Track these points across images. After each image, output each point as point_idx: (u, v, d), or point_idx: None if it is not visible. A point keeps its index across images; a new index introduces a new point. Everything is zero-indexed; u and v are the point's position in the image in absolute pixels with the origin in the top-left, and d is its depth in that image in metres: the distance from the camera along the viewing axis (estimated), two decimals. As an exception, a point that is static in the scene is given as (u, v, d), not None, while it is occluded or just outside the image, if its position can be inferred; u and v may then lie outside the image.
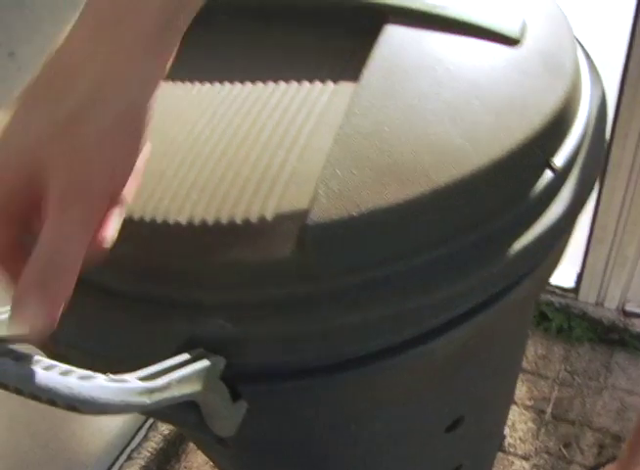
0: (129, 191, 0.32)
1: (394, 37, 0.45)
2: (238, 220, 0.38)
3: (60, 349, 0.41)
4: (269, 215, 0.38)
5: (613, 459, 1.03)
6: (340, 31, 0.49)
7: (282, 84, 0.46)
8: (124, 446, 1.07)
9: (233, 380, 0.40)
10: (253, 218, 0.38)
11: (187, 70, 0.50)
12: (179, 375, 0.33)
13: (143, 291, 0.40)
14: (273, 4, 0.52)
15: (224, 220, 0.38)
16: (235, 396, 0.40)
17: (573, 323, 1.19)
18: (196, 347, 0.38)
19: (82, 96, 0.29)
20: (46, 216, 0.28)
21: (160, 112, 0.47)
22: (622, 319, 1.16)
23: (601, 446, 1.07)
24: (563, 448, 1.08)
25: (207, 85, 0.48)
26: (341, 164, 0.38)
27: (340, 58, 0.48)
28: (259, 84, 0.46)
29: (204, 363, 0.35)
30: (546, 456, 1.08)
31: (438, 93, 0.42)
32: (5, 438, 0.88)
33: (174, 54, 0.32)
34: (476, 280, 0.40)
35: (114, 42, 0.30)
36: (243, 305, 0.38)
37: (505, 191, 0.42)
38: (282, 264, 0.37)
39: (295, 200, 0.38)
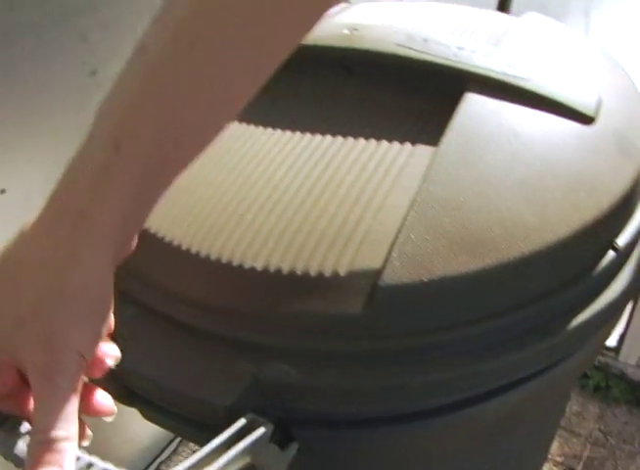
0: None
1: (474, 106, 0.47)
2: (312, 272, 0.40)
3: (123, 373, 0.43)
4: (342, 271, 0.40)
5: None
6: (420, 92, 0.51)
7: (361, 140, 0.48)
8: (154, 458, 1.10)
9: (287, 423, 0.42)
10: (327, 272, 0.40)
11: (270, 115, 0.52)
12: (227, 459, 0.34)
13: (213, 328, 0.42)
14: (358, 58, 0.54)
15: (299, 271, 0.40)
16: (288, 438, 0.42)
17: (611, 383, 1.17)
18: (258, 388, 0.40)
19: (39, 292, 0.32)
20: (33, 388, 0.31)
21: (242, 155, 0.50)
22: (662, 384, 1.14)
23: None
24: None
25: (289, 132, 0.51)
26: (415, 230, 0.40)
27: (418, 118, 0.49)
28: (339, 137, 0.49)
29: (253, 436, 0.36)
30: None
31: (513, 167, 0.44)
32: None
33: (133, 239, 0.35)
34: (534, 351, 0.41)
35: (68, 242, 0.32)
36: (308, 354, 0.40)
37: (569, 268, 0.43)
38: (350, 319, 0.39)
39: (368, 258, 0.40)
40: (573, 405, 1.18)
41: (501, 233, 0.41)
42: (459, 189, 0.42)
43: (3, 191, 0.79)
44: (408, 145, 0.47)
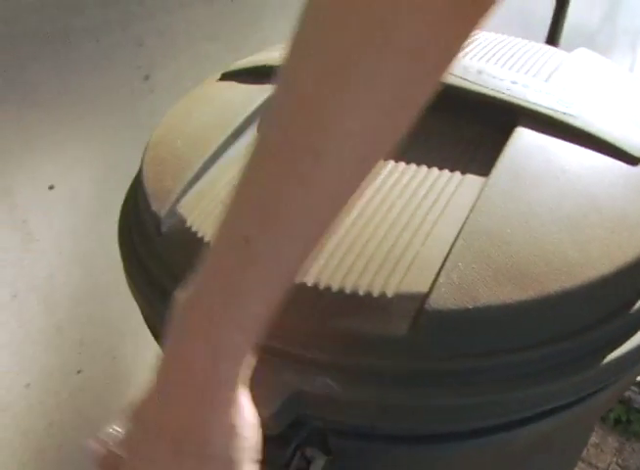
0: None
1: (524, 140, 0.49)
2: (360, 292, 0.42)
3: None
4: (390, 292, 0.41)
5: None
6: (472, 122, 0.52)
7: (413, 165, 0.50)
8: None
9: (325, 432, 0.44)
10: (375, 292, 0.41)
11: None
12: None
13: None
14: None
15: (348, 289, 0.42)
16: (325, 450, 0.44)
17: (632, 417, 1.17)
18: (300, 399, 0.41)
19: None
20: None
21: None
22: (683, 422, 1.14)
23: None
24: None
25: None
26: (463, 258, 0.42)
27: (468, 147, 0.51)
28: (391, 162, 0.50)
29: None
30: None
31: (559, 203, 0.45)
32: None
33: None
34: (569, 383, 0.42)
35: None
36: (351, 370, 0.42)
37: (608, 304, 0.44)
38: (395, 340, 0.41)
39: (415, 282, 0.41)
40: (593, 437, 1.18)
41: (545, 267, 0.42)
42: (506, 221, 0.44)
43: (52, 187, 0.82)
44: (458, 174, 0.49)
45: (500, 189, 0.45)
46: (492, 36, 0.65)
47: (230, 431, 0.35)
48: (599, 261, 0.43)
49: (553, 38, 0.77)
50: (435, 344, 0.41)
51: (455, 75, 0.52)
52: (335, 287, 0.42)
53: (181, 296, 0.35)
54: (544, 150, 0.48)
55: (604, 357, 0.43)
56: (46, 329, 0.86)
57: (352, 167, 0.31)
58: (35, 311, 0.84)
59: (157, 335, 0.54)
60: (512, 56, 0.60)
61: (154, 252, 0.52)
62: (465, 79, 0.52)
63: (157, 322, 0.52)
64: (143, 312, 0.55)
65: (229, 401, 0.35)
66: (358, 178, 0.32)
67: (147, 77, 0.89)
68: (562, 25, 0.75)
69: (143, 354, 1.01)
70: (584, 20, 0.92)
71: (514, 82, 0.52)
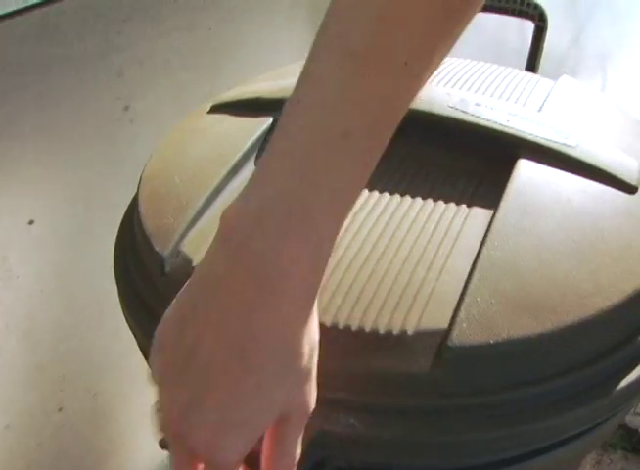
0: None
1: (528, 173, 0.50)
2: (380, 330, 0.41)
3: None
4: (410, 330, 0.41)
5: None
6: (473, 155, 0.53)
7: (418, 200, 0.50)
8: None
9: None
10: (395, 330, 0.41)
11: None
12: None
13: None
14: (411, 118, 0.56)
15: (367, 328, 0.42)
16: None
17: (610, 429, 1.20)
18: (324, 441, 0.41)
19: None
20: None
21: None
22: (658, 432, 1.17)
23: None
24: None
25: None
26: (480, 293, 0.42)
27: (471, 181, 0.52)
28: (397, 195, 0.51)
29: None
30: None
31: (567, 234, 0.46)
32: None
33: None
34: (588, 409, 0.43)
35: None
36: (374, 409, 0.41)
37: (621, 330, 0.45)
38: (418, 377, 0.41)
39: (434, 319, 0.42)
40: (573, 450, 1.19)
41: (559, 298, 0.43)
42: (518, 254, 0.44)
43: (32, 222, 0.80)
44: (464, 207, 0.49)
45: (509, 221, 0.46)
46: (480, 65, 0.66)
47: (315, 344, 0.35)
48: (609, 290, 0.44)
49: (533, 65, 0.79)
50: (459, 379, 0.41)
51: (454, 108, 0.53)
52: (354, 326, 0.42)
53: (239, 206, 0.33)
54: (548, 181, 0.49)
55: (620, 382, 0.44)
56: (27, 368, 0.83)
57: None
58: (15, 351, 0.81)
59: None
60: (504, 86, 0.61)
61: (157, 292, 0.50)
62: (465, 112, 0.53)
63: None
64: (144, 351, 0.54)
65: (314, 312, 0.34)
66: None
67: (127, 108, 0.88)
68: (541, 53, 0.77)
69: (124, 390, 0.98)
70: (553, 45, 0.95)
71: (512, 114, 0.53)
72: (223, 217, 0.34)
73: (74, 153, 0.82)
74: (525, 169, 0.50)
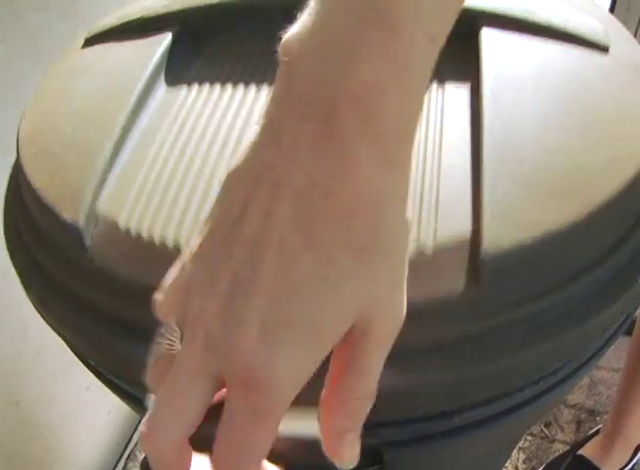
0: None
1: (495, 44, 0.42)
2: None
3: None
4: (429, 248, 0.33)
5: (592, 435, 1.05)
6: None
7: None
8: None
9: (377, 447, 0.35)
10: (417, 253, 0.33)
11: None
12: None
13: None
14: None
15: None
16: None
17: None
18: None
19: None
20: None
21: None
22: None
23: (578, 422, 1.10)
24: (544, 429, 1.10)
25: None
26: (499, 184, 0.34)
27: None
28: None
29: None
30: (530, 438, 1.10)
31: (562, 104, 0.39)
32: None
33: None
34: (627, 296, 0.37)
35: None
36: (408, 354, 0.33)
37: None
38: (451, 303, 0.33)
39: (453, 228, 0.34)
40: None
41: (578, 177, 0.36)
42: (521, 133, 0.37)
43: None
44: (435, 90, 0.41)
45: (499, 98, 0.38)
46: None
47: (408, 230, 0.24)
48: (622, 160, 0.38)
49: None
50: (500, 293, 0.33)
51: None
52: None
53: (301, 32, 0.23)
54: (520, 50, 0.42)
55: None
56: None
57: None
58: None
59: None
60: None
61: (80, 273, 0.39)
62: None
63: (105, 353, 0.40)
64: (80, 353, 0.43)
65: (408, 179, 0.24)
66: None
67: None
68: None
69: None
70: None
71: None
72: (283, 47, 0.23)
73: None
74: (492, 40, 0.42)
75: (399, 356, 0.33)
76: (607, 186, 0.36)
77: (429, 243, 0.33)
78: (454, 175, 0.36)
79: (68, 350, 0.45)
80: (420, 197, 0.35)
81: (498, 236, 0.33)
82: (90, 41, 0.51)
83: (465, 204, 0.35)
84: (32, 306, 0.43)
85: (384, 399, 0.33)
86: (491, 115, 0.37)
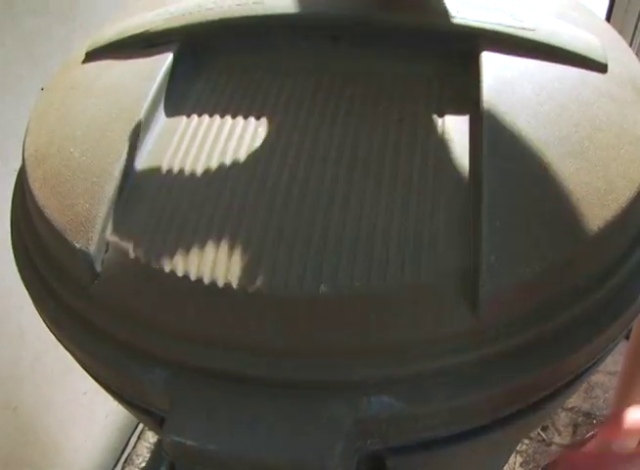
0: None
1: (496, 67, 0.43)
2: (393, 288, 0.34)
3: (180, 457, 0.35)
4: (427, 279, 0.34)
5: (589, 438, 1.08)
6: (424, 57, 0.45)
7: (380, 117, 0.42)
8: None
9: (382, 453, 0.37)
10: (408, 287, 0.34)
11: (252, 99, 0.45)
12: None
13: (291, 376, 0.35)
14: (343, 24, 0.47)
15: (374, 289, 0.34)
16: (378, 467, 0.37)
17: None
18: (359, 430, 0.34)
19: None
20: None
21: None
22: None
23: (575, 426, 1.12)
24: (541, 432, 1.12)
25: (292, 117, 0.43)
26: (497, 215, 0.35)
27: (431, 86, 0.44)
28: (354, 116, 0.42)
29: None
30: (527, 441, 1.12)
31: (560, 129, 0.40)
32: None
33: None
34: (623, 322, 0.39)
35: None
36: (410, 380, 0.35)
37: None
38: (453, 332, 0.34)
39: (451, 259, 0.35)
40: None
41: (579, 204, 0.37)
42: (520, 160, 0.38)
43: None
44: (434, 118, 0.42)
45: (499, 125, 0.39)
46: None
47: None
48: (621, 183, 0.39)
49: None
50: (500, 318, 0.35)
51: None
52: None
53: None
54: (521, 73, 0.43)
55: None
56: None
57: None
58: None
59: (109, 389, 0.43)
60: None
61: (91, 299, 0.40)
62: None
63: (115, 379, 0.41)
64: (88, 368, 0.44)
65: None
66: None
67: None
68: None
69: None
70: None
71: (463, 3, 0.45)
72: None
73: None
74: (492, 64, 0.43)
75: (404, 384, 0.35)
76: (603, 214, 0.37)
77: (429, 275, 0.34)
78: (452, 205, 0.37)
79: (66, 355, 0.45)
80: (420, 229, 0.36)
81: (497, 267, 0.34)
82: (91, 56, 0.51)
83: (464, 235, 0.36)
84: (30, 313, 0.44)
85: (386, 423, 0.34)
86: (490, 146, 0.38)
